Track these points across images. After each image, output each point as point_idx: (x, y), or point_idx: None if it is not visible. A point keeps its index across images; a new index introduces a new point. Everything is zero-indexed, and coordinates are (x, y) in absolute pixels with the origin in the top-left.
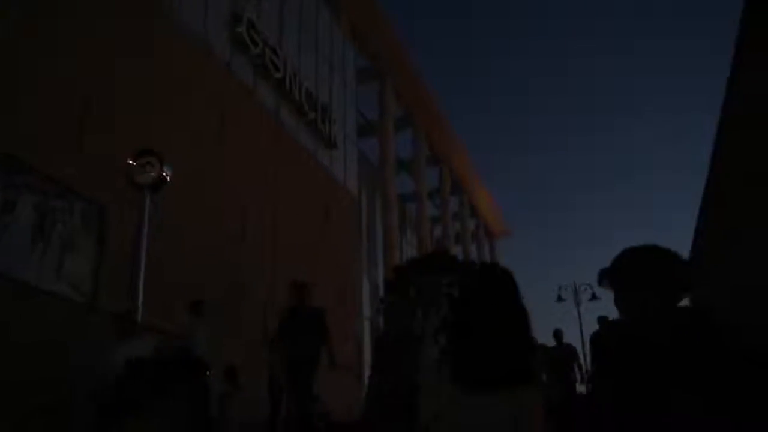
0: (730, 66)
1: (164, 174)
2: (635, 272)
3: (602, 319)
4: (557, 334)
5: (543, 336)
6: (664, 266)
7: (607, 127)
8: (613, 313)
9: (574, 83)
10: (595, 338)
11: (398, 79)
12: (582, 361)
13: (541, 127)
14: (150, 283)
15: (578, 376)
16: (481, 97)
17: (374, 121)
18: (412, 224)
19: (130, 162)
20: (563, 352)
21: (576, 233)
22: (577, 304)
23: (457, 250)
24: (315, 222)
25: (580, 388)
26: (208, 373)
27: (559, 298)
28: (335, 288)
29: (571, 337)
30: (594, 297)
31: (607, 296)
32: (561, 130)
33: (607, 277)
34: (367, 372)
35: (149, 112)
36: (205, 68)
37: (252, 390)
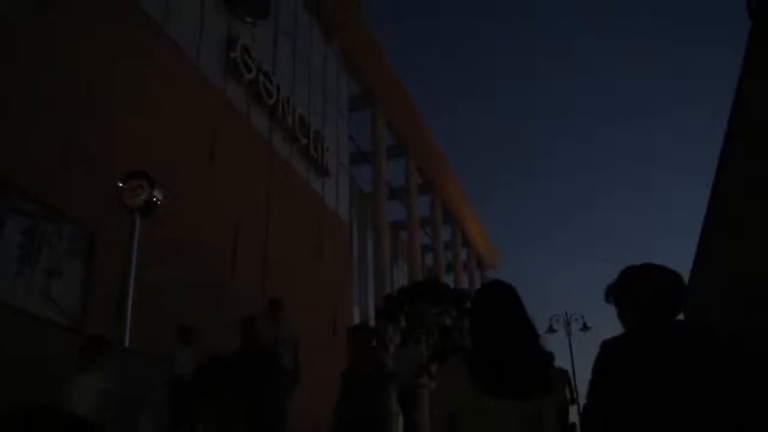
0: (738, 72)
1: (154, 197)
2: (632, 288)
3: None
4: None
5: None
6: (658, 282)
7: (608, 147)
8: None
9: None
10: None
11: (391, 106)
12: (573, 384)
13: (539, 145)
14: (138, 307)
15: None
16: (476, 117)
17: (366, 148)
18: (403, 252)
19: (120, 184)
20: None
21: (568, 256)
22: (568, 334)
23: (448, 280)
24: (307, 250)
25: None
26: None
27: (551, 329)
28: (326, 316)
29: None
30: (585, 327)
31: (597, 327)
32: (556, 142)
33: (610, 293)
34: None
35: (140, 137)
36: (198, 93)
37: None
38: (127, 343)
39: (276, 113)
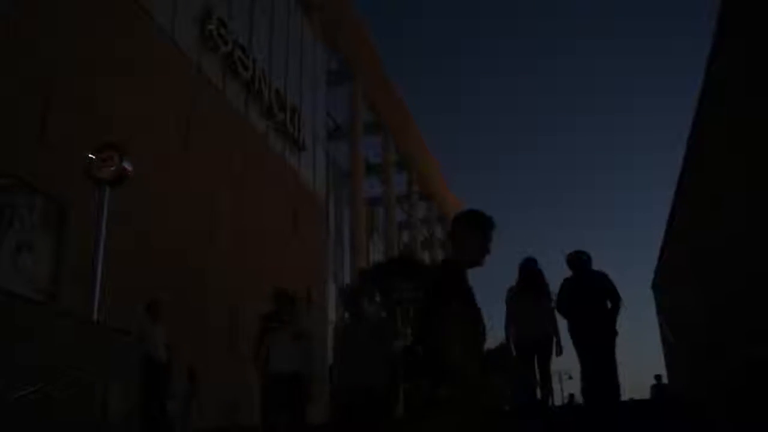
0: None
1: (125, 168)
2: (570, 262)
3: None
4: None
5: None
6: (575, 259)
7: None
8: None
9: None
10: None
11: (369, 81)
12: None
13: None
14: (110, 282)
15: None
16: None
17: (344, 124)
18: (380, 228)
19: (91, 156)
20: None
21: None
22: None
23: (424, 256)
24: (283, 225)
25: None
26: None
27: None
28: (301, 290)
29: None
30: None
31: None
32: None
33: (567, 263)
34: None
35: (112, 109)
36: (172, 65)
37: (211, 393)
38: (95, 317)
39: (252, 87)
